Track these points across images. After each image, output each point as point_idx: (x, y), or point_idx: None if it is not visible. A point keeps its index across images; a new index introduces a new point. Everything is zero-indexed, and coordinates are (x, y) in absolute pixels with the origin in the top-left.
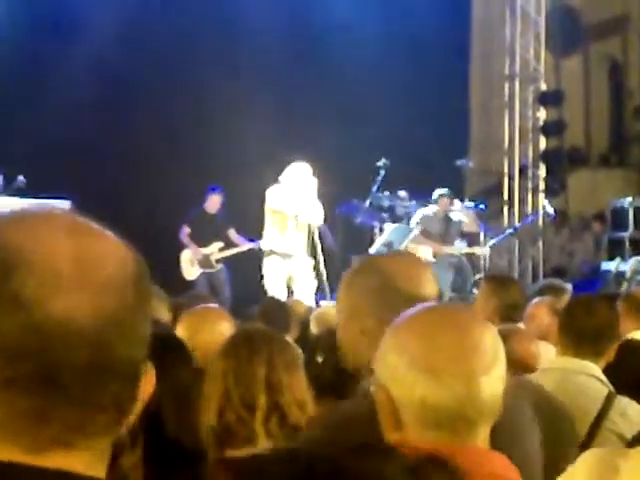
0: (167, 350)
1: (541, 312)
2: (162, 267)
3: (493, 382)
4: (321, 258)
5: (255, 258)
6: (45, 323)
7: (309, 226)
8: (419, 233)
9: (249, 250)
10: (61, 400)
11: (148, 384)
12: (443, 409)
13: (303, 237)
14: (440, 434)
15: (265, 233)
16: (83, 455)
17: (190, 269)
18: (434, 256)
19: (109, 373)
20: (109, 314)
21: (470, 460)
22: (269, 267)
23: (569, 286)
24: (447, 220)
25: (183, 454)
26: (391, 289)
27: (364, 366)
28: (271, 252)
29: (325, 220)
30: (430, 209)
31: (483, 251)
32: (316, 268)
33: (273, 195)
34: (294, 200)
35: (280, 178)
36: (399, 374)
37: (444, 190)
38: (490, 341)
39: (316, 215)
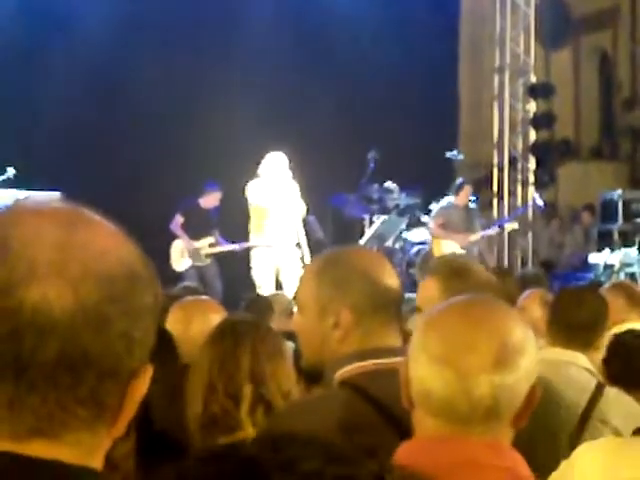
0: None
1: (532, 304)
2: (151, 258)
3: (503, 383)
4: (306, 249)
5: (246, 251)
6: (18, 310)
7: (294, 216)
8: (437, 227)
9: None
10: (32, 389)
11: (142, 385)
12: (443, 401)
13: (287, 228)
14: (441, 423)
15: (251, 227)
16: (67, 448)
17: (179, 260)
18: (462, 248)
19: (82, 366)
20: (88, 307)
21: (458, 450)
22: (256, 260)
23: (543, 274)
24: (469, 209)
25: (169, 446)
26: (361, 281)
27: (332, 360)
28: (258, 245)
29: (314, 212)
30: (448, 200)
31: (512, 226)
32: (303, 259)
33: (252, 189)
34: (272, 191)
35: (259, 171)
36: (417, 358)
37: (462, 179)
38: (515, 342)
39: (296, 204)
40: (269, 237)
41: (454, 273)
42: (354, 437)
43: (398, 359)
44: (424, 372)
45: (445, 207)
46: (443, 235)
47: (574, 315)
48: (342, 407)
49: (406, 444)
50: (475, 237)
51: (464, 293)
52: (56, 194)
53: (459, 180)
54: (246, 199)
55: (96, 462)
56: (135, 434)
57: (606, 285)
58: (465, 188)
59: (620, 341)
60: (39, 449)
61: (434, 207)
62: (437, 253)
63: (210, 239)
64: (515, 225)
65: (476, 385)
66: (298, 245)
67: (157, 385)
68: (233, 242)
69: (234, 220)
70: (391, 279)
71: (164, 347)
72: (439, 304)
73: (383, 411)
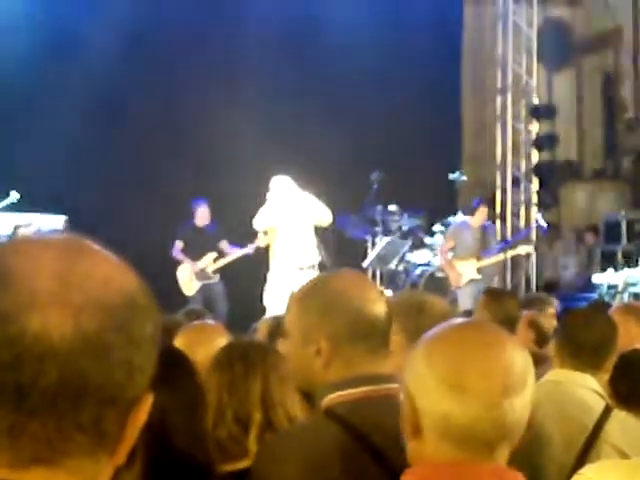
0: (171, 363)
1: (520, 325)
2: (155, 281)
3: (517, 407)
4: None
5: (252, 272)
6: (19, 337)
7: (314, 232)
8: (442, 252)
9: (246, 258)
10: (32, 415)
11: (143, 412)
12: (464, 427)
13: (302, 249)
14: (457, 450)
15: (269, 252)
16: (68, 476)
17: (189, 284)
18: (478, 272)
19: (82, 393)
20: (89, 335)
21: (484, 477)
22: (272, 282)
23: (554, 299)
24: (485, 230)
25: (193, 468)
26: (341, 309)
27: (319, 387)
28: (275, 268)
29: (316, 233)
30: (463, 220)
31: (527, 249)
32: None
33: (260, 217)
34: (282, 214)
35: (267, 196)
36: (427, 387)
37: (479, 199)
38: (520, 364)
39: (315, 218)
40: (285, 260)
41: (411, 309)
42: (330, 469)
43: (384, 386)
44: (443, 401)
45: (458, 227)
46: (445, 264)
47: (582, 337)
48: (322, 438)
49: (416, 469)
50: (489, 261)
51: (423, 328)
52: (61, 218)
53: (475, 200)
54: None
55: None
56: (140, 461)
57: (615, 306)
58: (481, 209)
59: (628, 361)
60: (38, 477)
61: (449, 229)
62: (452, 276)
63: (213, 254)
64: (530, 249)
65: (498, 410)
66: (316, 267)
67: (175, 404)
68: (242, 247)
69: (239, 234)
70: (377, 306)
71: (179, 364)
72: (437, 329)
73: (361, 441)
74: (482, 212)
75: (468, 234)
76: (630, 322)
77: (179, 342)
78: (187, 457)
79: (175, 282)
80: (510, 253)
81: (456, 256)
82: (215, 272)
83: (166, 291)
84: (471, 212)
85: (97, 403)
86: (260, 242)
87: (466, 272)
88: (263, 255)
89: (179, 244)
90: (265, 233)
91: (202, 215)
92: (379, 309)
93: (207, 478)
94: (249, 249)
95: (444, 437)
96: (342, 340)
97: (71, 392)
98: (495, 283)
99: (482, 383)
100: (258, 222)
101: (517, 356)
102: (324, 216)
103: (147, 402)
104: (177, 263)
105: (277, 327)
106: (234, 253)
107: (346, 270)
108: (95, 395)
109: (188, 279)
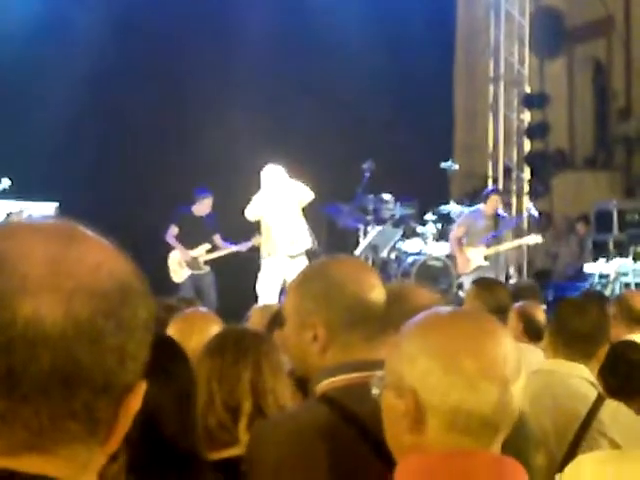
0: (165, 351)
1: (509, 315)
2: (147, 268)
3: (519, 391)
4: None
5: (242, 263)
6: (12, 323)
7: (304, 218)
8: (459, 236)
9: (237, 252)
10: (25, 402)
11: (136, 400)
12: (476, 415)
13: (292, 237)
14: (464, 439)
15: (262, 241)
16: (61, 463)
17: (179, 271)
18: (486, 258)
19: (75, 380)
20: (81, 320)
21: (487, 465)
22: (265, 271)
23: (536, 285)
24: (497, 218)
25: (183, 457)
26: (338, 295)
27: (315, 372)
28: (267, 256)
29: (308, 221)
30: (477, 207)
31: (536, 239)
32: None
33: (254, 204)
34: (273, 203)
35: (261, 185)
36: (432, 378)
37: (493, 187)
38: (514, 351)
39: (295, 202)
40: (276, 248)
41: (389, 299)
42: (323, 453)
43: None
44: (453, 391)
45: (470, 215)
46: (455, 249)
47: (576, 325)
48: (315, 422)
49: (411, 459)
50: (498, 249)
51: (402, 318)
52: (52, 204)
53: (488, 188)
54: (246, 206)
55: (89, 478)
56: (126, 451)
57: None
58: (492, 196)
59: (618, 354)
60: (31, 464)
61: (461, 216)
62: (460, 262)
63: (206, 245)
64: (539, 239)
65: (506, 396)
66: (309, 254)
67: (167, 394)
68: (236, 243)
69: (235, 229)
70: (374, 292)
71: (173, 353)
72: (427, 319)
73: (356, 425)
74: (494, 200)
75: (480, 222)
76: (617, 316)
77: (173, 329)
78: (177, 446)
79: (167, 269)
80: (518, 242)
81: (466, 243)
82: (206, 263)
83: (158, 278)
84: (484, 200)
85: (89, 390)
86: (255, 241)
87: (474, 259)
88: (254, 247)
89: (174, 229)
90: (259, 232)
91: (204, 206)
92: (377, 295)
93: (196, 466)
94: (242, 246)
95: (452, 427)
96: (338, 326)
97: (63, 378)
98: (503, 271)
99: (488, 370)
100: (249, 211)
101: (510, 343)
102: (304, 194)
103: (140, 390)
104: (170, 249)
105: (273, 315)
106: (227, 248)
107: (344, 256)
108: (87, 381)
109: (178, 266)
